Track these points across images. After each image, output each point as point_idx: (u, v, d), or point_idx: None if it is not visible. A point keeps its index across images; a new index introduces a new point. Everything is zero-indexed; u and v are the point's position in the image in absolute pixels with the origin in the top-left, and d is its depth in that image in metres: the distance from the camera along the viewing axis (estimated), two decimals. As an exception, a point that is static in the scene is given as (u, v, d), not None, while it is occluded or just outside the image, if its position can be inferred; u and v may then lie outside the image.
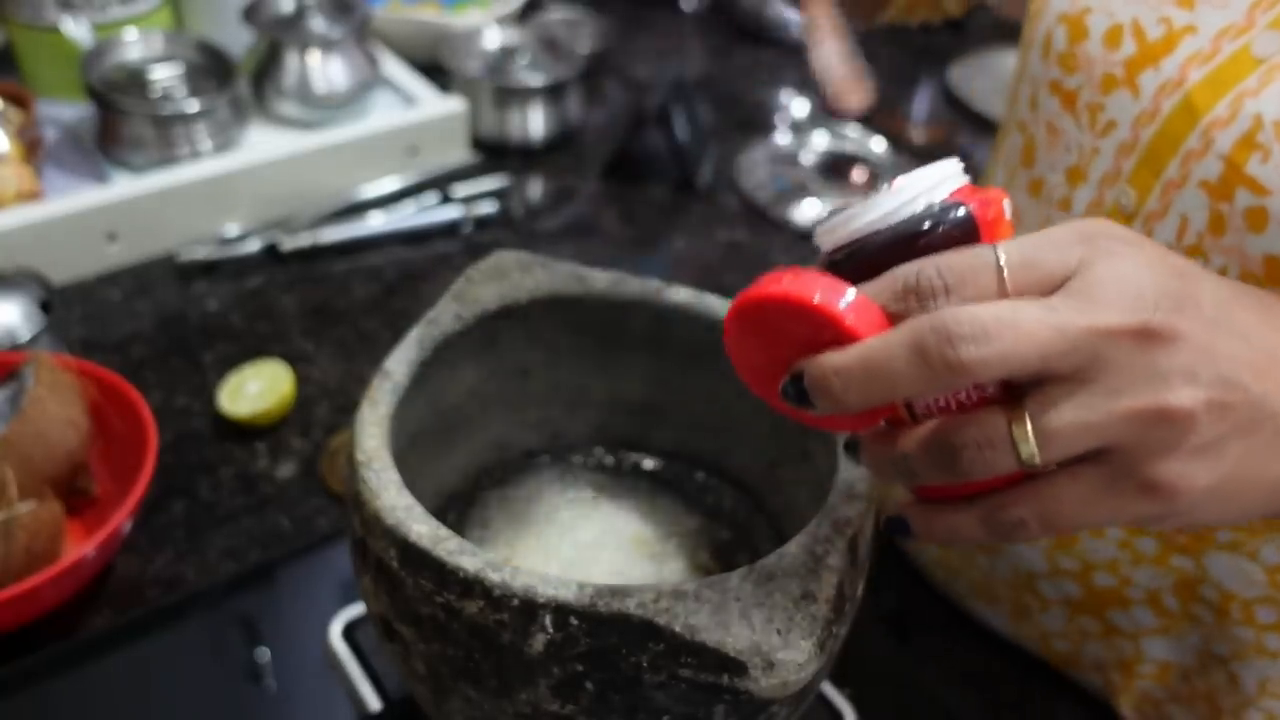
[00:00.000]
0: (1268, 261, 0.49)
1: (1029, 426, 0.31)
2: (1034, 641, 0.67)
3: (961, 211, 0.33)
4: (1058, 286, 0.32)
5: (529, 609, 0.38)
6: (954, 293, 0.32)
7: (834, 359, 0.32)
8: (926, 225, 0.33)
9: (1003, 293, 0.32)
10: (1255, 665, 0.58)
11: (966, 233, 0.33)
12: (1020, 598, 0.66)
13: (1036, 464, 0.31)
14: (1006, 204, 0.34)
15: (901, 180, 0.34)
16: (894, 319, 0.32)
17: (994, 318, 0.30)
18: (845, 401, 0.32)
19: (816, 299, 0.32)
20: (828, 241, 0.35)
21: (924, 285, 0.32)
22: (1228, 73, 0.50)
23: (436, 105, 1.09)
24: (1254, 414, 0.32)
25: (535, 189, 1.12)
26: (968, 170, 0.36)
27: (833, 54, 0.50)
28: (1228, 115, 0.49)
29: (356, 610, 0.62)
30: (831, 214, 0.35)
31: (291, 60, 1.04)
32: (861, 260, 0.34)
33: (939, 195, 0.33)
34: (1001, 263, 0.32)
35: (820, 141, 1.17)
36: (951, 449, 0.32)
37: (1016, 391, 0.32)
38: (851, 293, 0.32)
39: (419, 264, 0.99)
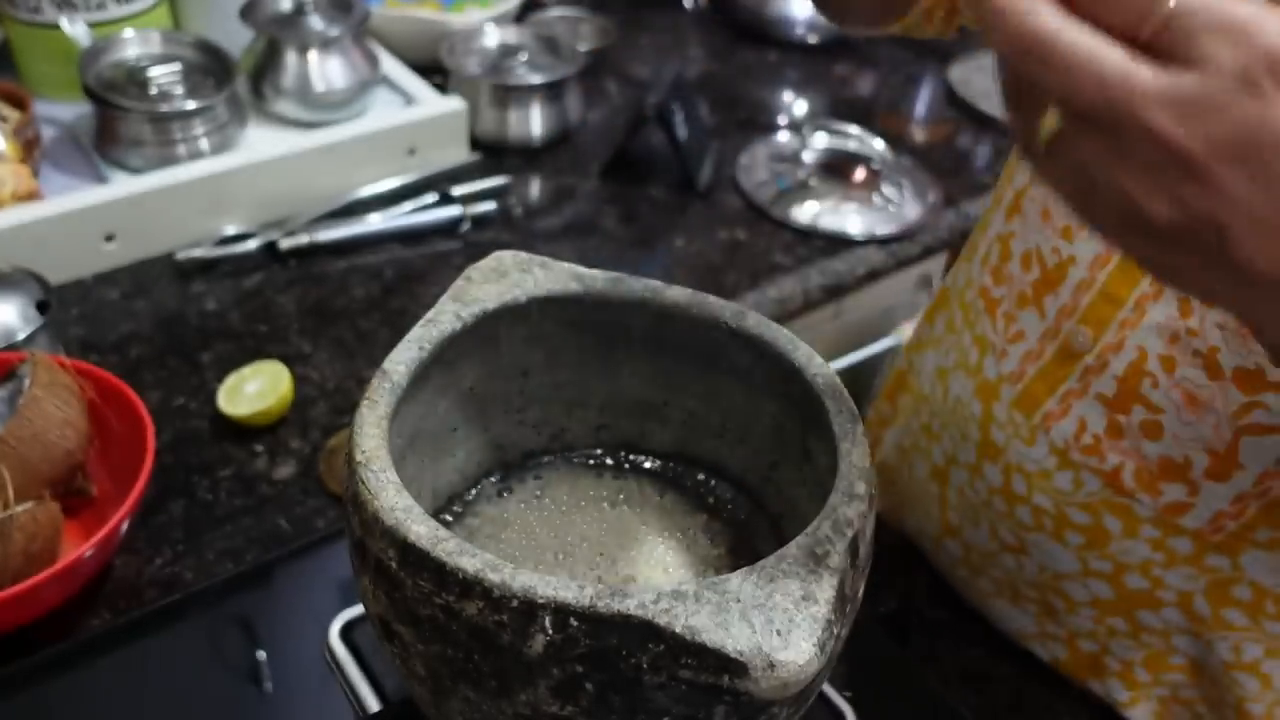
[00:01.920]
0: (1162, 462, 0.56)
1: None
2: (1059, 642, 0.67)
3: None
4: None
5: (529, 610, 0.38)
6: None
7: None
8: None
9: None
10: None
11: None
12: (1046, 598, 0.65)
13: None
14: None
15: None
16: None
17: None
18: None
19: None
20: None
21: None
22: (1105, 303, 0.57)
23: (435, 104, 1.09)
24: None
25: (534, 188, 1.12)
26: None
27: None
28: (1115, 343, 0.56)
29: (355, 611, 0.62)
30: None
31: (290, 59, 1.04)
32: None
33: None
34: None
35: (821, 140, 1.17)
36: None
37: None
38: None
39: (418, 264, 0.99)
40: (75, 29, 0.99)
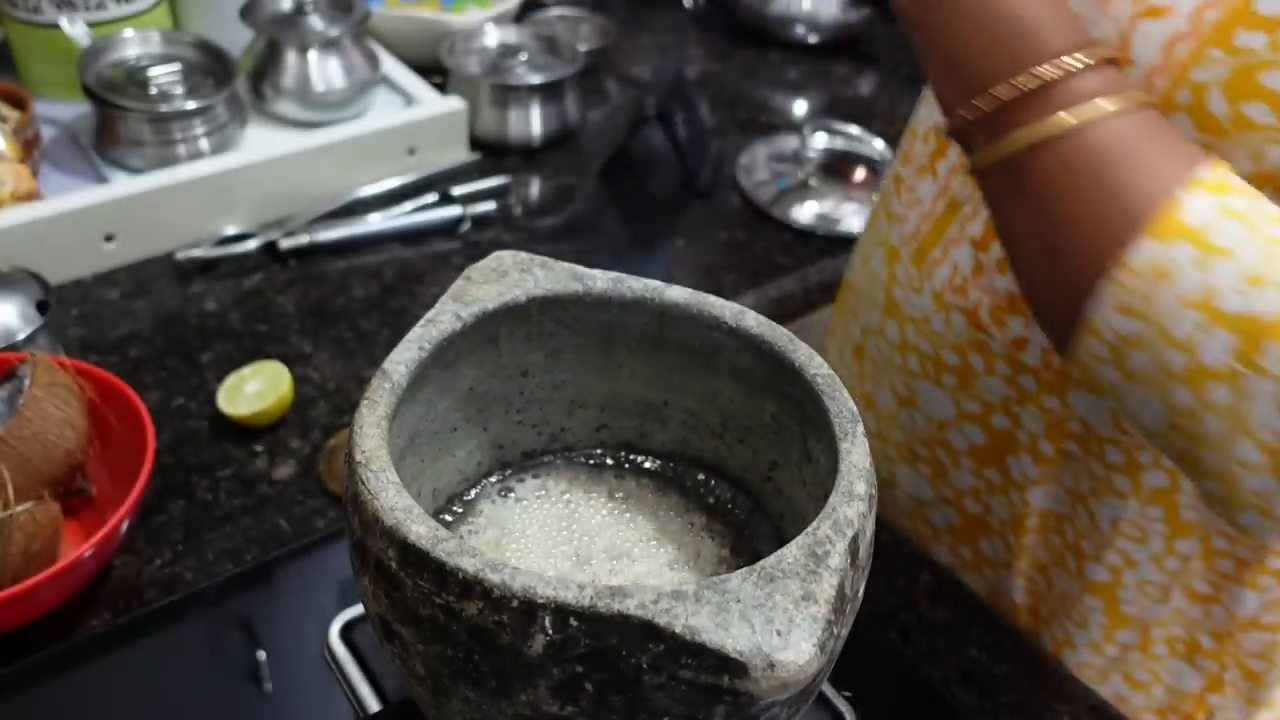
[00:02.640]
0: (1008, 297, 0.61)
1: None
2: (950, 506, 0.72)
3: None
4: None
5: (528, 610, 0.38)
6: None
7: None
8: None
9: None
10: (1108, 503, 0.63)
11: None
12: (935, 454, 0.71)
13: None
14: None
15: None
16: None
17: None
18: None
19: None
20: None
21: None
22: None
23: (435, 104, 1.09)
24: None
25: (534, 188, 1.12)
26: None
27: None
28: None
29: (355, 611, 0.62)
30: None
31: (290, 59, 1.04)
32: None
33: None
34: None
35: (821, 140, 1.17)
36: None
37: None
38: None
39: (418, 263, 0.99)
40: (75, 29, 0.99)
